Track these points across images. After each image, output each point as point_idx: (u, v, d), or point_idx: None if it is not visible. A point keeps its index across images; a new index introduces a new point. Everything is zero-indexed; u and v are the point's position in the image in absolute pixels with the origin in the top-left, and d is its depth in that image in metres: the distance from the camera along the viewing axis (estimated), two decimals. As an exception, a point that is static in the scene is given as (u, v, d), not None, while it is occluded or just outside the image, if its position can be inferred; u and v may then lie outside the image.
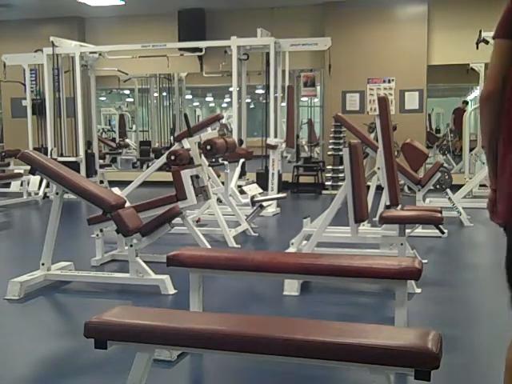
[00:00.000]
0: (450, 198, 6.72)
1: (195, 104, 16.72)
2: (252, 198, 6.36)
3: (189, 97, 14.87)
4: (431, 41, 10.04)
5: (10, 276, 4.13)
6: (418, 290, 4.01)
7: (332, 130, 9.82)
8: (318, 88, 11.50)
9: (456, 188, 7.48)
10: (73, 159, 9.23)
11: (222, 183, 6.28)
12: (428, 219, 4.61)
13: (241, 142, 8.45)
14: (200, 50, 9.34)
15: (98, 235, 4.83)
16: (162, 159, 6.80)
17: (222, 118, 7.30)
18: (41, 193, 9.33)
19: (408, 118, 9.78)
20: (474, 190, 8.33)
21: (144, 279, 4.14)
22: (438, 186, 6.49)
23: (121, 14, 10.96)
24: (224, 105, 16.17)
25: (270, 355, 2.01)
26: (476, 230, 6.59)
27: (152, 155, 12.42)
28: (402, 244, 4.36)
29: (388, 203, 4.83)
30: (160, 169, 7.07)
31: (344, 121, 7.00)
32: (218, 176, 6.51)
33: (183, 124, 8.03)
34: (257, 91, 12.85)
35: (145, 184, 7.49)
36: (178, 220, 4.70)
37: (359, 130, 6.63)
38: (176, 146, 6.37)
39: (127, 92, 15.31)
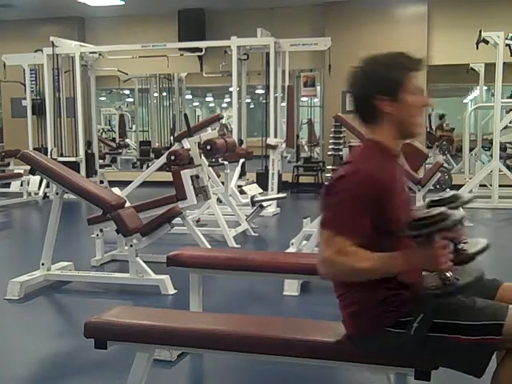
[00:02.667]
0: (449, 198, 6.72)
1: (195, 104, 16.71)
2: (252, 198, 6.37)
3: (189, 97, 14.86)
4: (431, 41, 10.03)
5: (10, 276, 4.13)
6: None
7: (332, 129, 9.81)
8: (318, 88, 11.50)
9: (456, 188, 7.47)
10: (73, 159, 9.22)
11: (222, 183, 6.28)
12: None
13: (241, 142, 8.46)
14: (200, 50, 9.33)
15: (97, 235, 4.82)
16: (162, 159, 6.80)
17: (222, 117, 7.31)
18: (41, 193, 9.33)
19: (408, 118, 9.77)
20: (474, 189, 8.33)
21: (144, 279, 4.14)
22: (438, 186, 6.49)
23: (121, 14, 10.95)
24: (224, 105, 16.16)
25: (269, 355, 2.01)
26: (476, 230, 6.59)
27: (152, 155, 12.41)
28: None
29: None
30: (160, 169, 7.07)
31: (344, 121, 7.00)
32: (218, 176, 6.51)
33: (183, 124, 8.02)
34: (257, 91, 12.85)
35: (145, 184, 7.49)
36: (178, 220, 4.70)
37: (359, 130, 6.62)
38: (176, 146, 6.37)
39: (127, 92, 15.31)
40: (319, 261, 1.76)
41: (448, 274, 1.70)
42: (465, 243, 1.85)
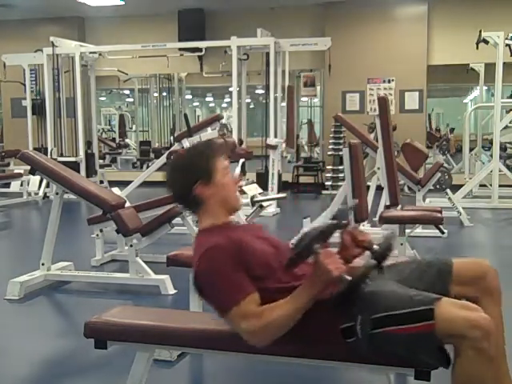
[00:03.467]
0: (450, 198, 6.72)
1: (195, 104, 16.70)
2: (252, 198, 6.36)
3: (189, 97, 14.85)
4: (431, 41, 10.03)
5: (10, 276, 4.13)
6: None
7: (332, 130, 9.81)
8: (318, 88, 11.50)
9: (456, 188, 7.48)
10: (73, 159, 9.21)
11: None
12: (428, 219, 4.61)
13: (241, 142, 8.45)
14: (200, 50, 9.33)
15: (98, 235, 4.82)
16: (162, 159, 6.80)
17: (222, 118, 7.31)
18: (41, 193, 9.33)
19: (408, 118, 9.78)
20: (473, 190, 8.34)
21: (144, 279, 4.14)
22: (437, 186, 6.49)
23: (121, 14, 10.95)
24: (224, 105, 16.15)
25: (269, 355, 2.01)
26: (476, 229, 6.59)
27: (152, 155, 12.42)
28: (401, 244, 4.36)
29: (388, 203, 4.84)
30: (160, 169, 7.06)
31: (344, 121, 7.00)
32: (218, 176, 6.50)
33: (183, 124, 8.02)
34: (257, 91, 12.85)
35: (145, 184, 7.49)
36: (178, 220, 4.70)
37: (359, 130, 6.63)
38: (176, 146, 6.38)
39: (127, 92, 15.30)
40: (247, 337, 1.82)
41: (347, 277, 1.76)
42: (378, 245, 1.93)
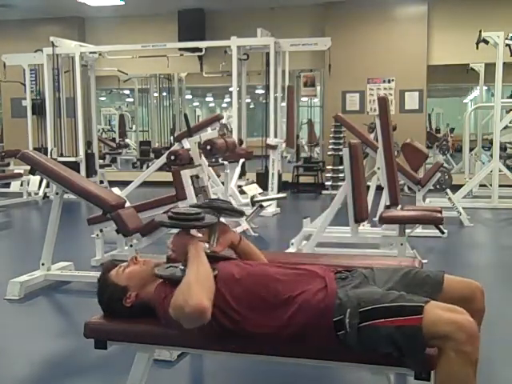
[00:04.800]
0: (450, 198, 6.72)
1: (195, 104, 16.71)
2: (252, 198, 6.36)
3: (189, 97, 14.85)
4: (431, 41, 10.03)
5: (10, 276, 4.13)
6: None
7: (332, 130, 9.82)
8: (318, 88, 11.50)
9: (456, 188, 7.48)
10: (73, 159, 9.22)
11: (222, 183, 6.28)
12: (428, 219, 4.61)
13: (241, 141, 8.45)
14: (200, 50, 9.33)
15: (97, 235, 4.82)
16: (162, 159, 6.80)
17: (222, 118, 7.31)
18: (41, 193, 9.33)
19: (408, 118, 9.78)
20: (473, 190, 8.34)
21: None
22: (438, 186, 6.49)
23: (121, 14, 10.96)
24: (224, 105, 16.14)
25: (269, 355, 2.01)
26: (476, 229, 6.59)
27: (152, 155, 12.42)
28: (401, 244, 4.36)
29: (388, 203, 4.84)
30: (160, 169, 7.07)
31: (344, 121, 7.00)
32: (218, 176, 6.51)
33: (183, 124, 8.02)
34: (257, 91, 12.85)
35: (145, 184, 7.49)
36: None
37: (359, 130, 6.63)
38: (176, 146, 6.37)
39: (127, 92, 15.30)
40: (187, 310, 1.80)
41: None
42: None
